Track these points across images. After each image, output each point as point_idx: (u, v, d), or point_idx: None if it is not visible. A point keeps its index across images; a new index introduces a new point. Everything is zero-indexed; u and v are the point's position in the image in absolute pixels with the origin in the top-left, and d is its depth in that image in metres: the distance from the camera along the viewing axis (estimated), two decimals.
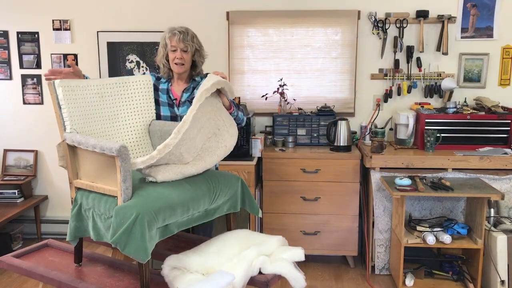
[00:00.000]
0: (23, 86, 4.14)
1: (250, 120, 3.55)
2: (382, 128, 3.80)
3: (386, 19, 3.76)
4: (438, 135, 3.48)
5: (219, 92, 2.31)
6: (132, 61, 4.02)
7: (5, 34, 4.08)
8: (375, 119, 3.89)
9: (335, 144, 3.58)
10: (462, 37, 3.77)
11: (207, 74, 2.52)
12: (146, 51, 3.97)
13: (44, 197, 4.23)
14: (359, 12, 3.79)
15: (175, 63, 2.55)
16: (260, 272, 2.09)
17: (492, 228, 3.16)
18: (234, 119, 2.45)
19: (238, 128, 2.43)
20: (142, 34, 3.95)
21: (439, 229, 3.18)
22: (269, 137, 3.85)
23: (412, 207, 3.43)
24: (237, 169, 3.44)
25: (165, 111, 2.60)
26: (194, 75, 2.65)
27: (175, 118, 2.59)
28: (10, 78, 4.13)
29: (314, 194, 3.55)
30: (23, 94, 4.15)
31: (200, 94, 2.10)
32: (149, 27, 3.93)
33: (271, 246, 2.24)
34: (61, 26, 4.03)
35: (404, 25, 3.75)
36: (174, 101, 2.61)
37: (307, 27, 3.83)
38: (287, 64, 3.90)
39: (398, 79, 3.84)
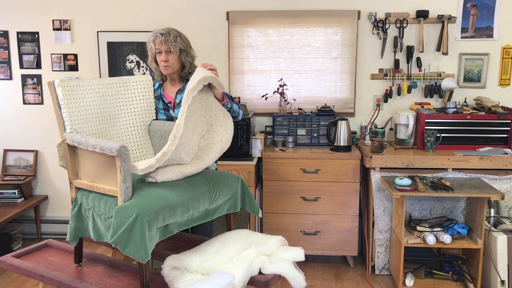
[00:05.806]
0: (23, 86, 4.13)
1: (250, 120, 3.55)
2: (382, 128, 3.80)
3: (386, 19, 3.76)
4: (438, 135, 3.48)
5: (209, 85, 2.27)
6: (132, 61, 4.02)
7: (5, 34, 4.08)
8: (375, 119, 3.89)
9: (335, 144, 3.58)
10: (462, 37, 3.77)
11: None
12: (146, 51, 3.95)
13: (44, 197, 4.23)
14: (359, 12, 3.78)
15: (163, 66, 2.55)
16: (260, 272, 2.09)
17: (492, 228, 3.17)
18: (229, 111, 2.42)
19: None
20: (142, 34, 3.94)
21: (439, 229, 3.17)
22: (269, 137, 3.84)
23: (412, 207, 3.43)
24: (237, 169, 3.44)
25: (161, 116, 2.60)
26: (183, 76, 2.63)
27: (171, 120, 2.58)
28: (10, 78, 4.13)
29: (314, 194, 3.55)
30: (23, 94, 4.15)
31: (187, 94, 2.06)
32: (149, 27, 3.93)
33: (271, 246, 2.24)
34: (61, 26, 4.02)
35: (404, 25, 3.75)
36: (168, 104, 2.61)
37: (307, 27, 3.83)
38: (287, 64, 3.90)
39: (398, 79, 3.84)
